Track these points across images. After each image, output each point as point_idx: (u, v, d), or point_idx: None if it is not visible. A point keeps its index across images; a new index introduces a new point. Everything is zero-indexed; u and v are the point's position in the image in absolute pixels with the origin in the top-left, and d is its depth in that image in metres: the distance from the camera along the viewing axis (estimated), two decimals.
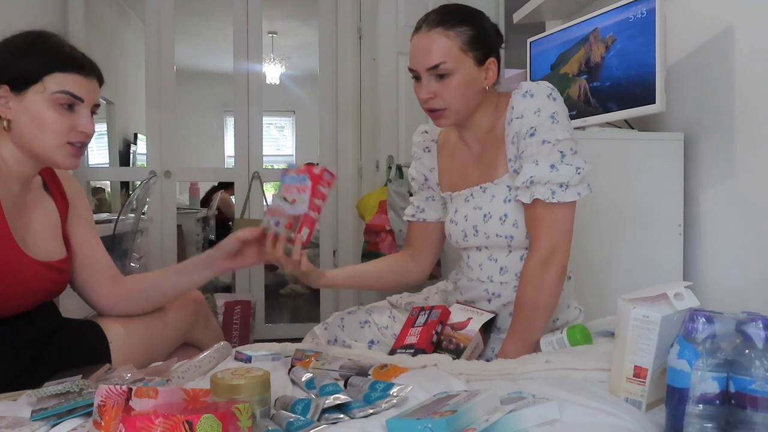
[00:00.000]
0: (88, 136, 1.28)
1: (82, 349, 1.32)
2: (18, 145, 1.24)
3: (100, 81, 1.33)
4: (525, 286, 1.30)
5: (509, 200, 1.35)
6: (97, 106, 1.32)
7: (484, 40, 1.35)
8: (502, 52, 1.41)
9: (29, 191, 1.32)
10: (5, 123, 1.23)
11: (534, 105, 1.29)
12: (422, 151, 1.57)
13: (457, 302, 1.44)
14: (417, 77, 1.35)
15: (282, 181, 1.31)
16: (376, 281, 1.56)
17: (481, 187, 1.41)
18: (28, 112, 1.22)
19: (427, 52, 1.31)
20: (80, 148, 1.27)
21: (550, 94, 1.29)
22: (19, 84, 1.22)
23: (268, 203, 1.28)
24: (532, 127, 1.28)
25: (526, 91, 1.30)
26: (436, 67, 1.31)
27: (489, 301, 1.41)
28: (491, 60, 1.36)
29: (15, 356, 1.24)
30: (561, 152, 1.28)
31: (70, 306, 1.48)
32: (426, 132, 1.57)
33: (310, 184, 1.26)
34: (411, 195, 1.63)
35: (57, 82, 1.22)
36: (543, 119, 1.28)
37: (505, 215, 1.35)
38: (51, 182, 1.39)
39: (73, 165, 1.28)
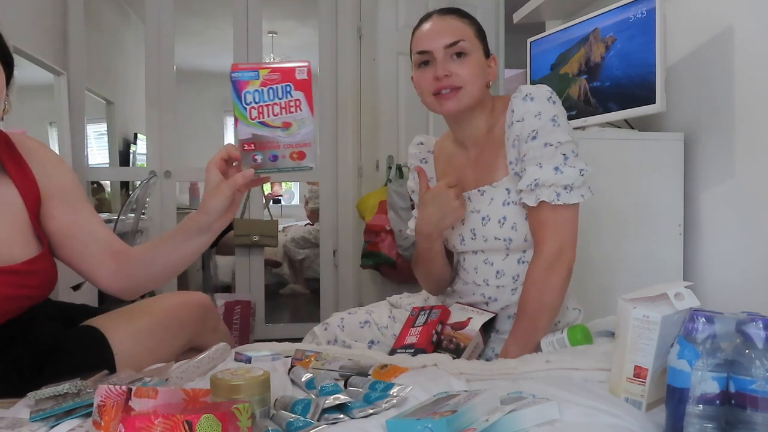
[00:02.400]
0: None
1: (86, 361, 1.17)
2: None
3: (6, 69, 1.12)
4: (530, 288, 1.29)
5: (508, 203, 1.35)
6: None
7: (485, 37, 1.39)
8: (500, 53, 1.43)
9: None
10: None
11: (534, 108, 1.29)
12: (419, 163, 1.56)
13: (457, 302, 1.44)
14: (426, 61, 1.34)
15: (242, 100, 0.93)
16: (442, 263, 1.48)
17: (479, 191, 1.40)
18: None
19: (447, 30, 1.33)
20: None
21: (550, 97, 1.30)
22: None
23: (238, 133, 0.90)
24: (533, 131, 1.29)
25: (527, 95, 1.31)
26: (455, 44, 1.31)
27: (486, 304, 1.41)
28: (493, 57, 1.41)
29: (13, 375, 1.12)
30: (564, 155, 1.28)
31: (77, 301, 1.43)
32: (422, 143, 1.57)
33: (301, 94, 0.93)
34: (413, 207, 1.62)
35: None
36: (544, 122, 1.28)
37: (504, 218, 1.35)
38: (9, 162, 1.14)
39: None
